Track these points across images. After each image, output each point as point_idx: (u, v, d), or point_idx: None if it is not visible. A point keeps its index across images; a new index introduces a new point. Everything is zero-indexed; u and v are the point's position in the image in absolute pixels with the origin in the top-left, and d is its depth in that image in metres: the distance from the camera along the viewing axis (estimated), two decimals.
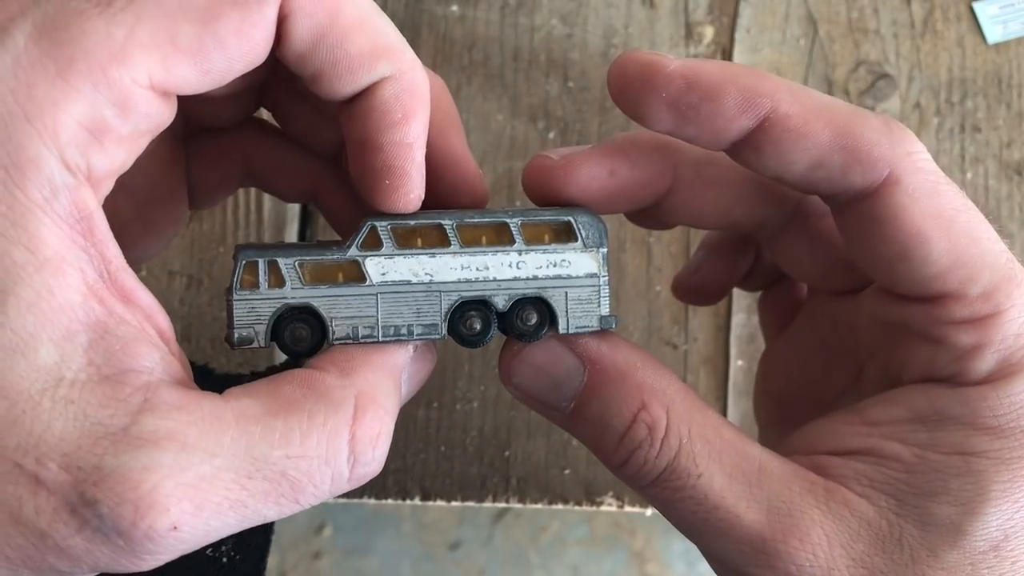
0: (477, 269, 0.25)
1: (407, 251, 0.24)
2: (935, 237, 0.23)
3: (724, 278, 0.33)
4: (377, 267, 0.24)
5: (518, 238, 0.25)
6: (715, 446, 0.24)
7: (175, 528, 0.20)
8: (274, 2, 0.22)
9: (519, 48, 0.45)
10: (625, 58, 0.25)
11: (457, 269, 0.25)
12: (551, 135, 0.45)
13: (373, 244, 0.24)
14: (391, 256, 0.24)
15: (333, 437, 0.22)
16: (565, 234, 0.25)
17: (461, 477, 0.42)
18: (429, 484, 0.42)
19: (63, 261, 0.20)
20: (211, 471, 0.20)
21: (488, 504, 0.42)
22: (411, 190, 0.24)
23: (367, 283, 0.24)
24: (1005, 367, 0.23)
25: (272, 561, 0.37)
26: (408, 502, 0.42)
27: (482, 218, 0.25)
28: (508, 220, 0.25)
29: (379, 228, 0.24)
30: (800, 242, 0.28)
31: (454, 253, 0.25)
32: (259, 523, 0.22)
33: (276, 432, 0.21)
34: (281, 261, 0.24)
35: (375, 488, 0.42)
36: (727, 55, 0.46)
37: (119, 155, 0.22)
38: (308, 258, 0.24)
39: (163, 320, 0.22)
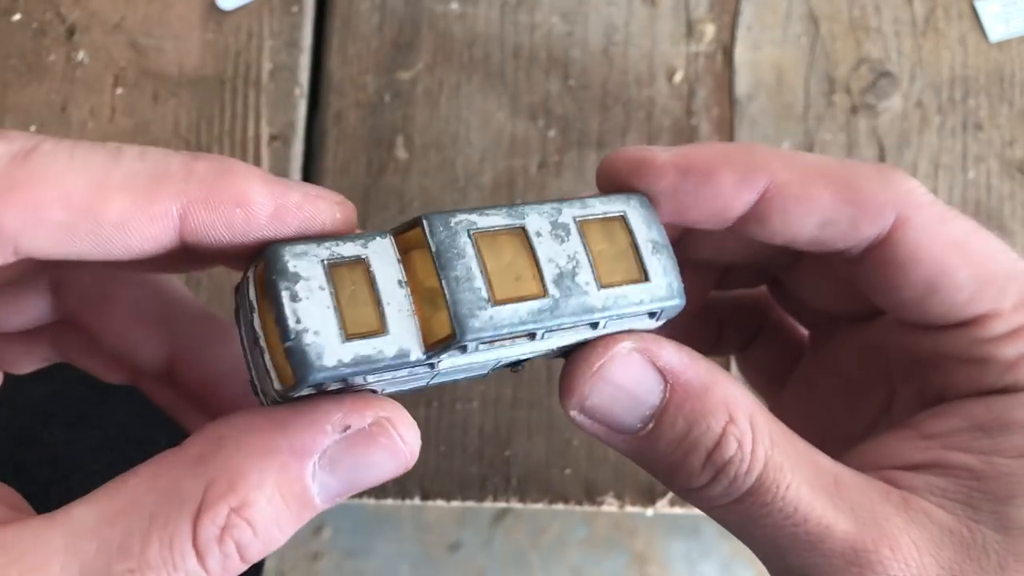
0: (547, 347, 0.22)
1: (491, 347, 0.21)
2: (957, 264, 0.23)
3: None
4: (451, 360, 0.21)
5: (600, 330, 0.22)
6: (794, 458, 0.23)
7: None
8: (172, 197, 0.19)
9: (519, 46, 0.45)
10: (613, 157, 0.24)
11: (528, 349, 0.22)
12: (551, 133, 0.44)
13: (462, 349, 0.21)
14: (473, 352, 0.21)
15: (176, 537, 0.18)
16: (646, 316, 0.23)
17: (461, 477, 0.42)
18: (429, 484, 0.41)
19: None
20: None
21: (488, 504, 0.41)
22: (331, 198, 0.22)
23: (433, 371, 0.22)
24: None
25: (271, 563, 0.37)
26: (408, 502, 0.41)
27: (577, 321, 0.21)
28: (601, 319, 0.22)
29: (468, 346, 0.21)
30: (821, 267, 0.28)
31: (535, 341, 0.22)
32: None
33: (113, 544, 0.18)
34: (354, 380, 0.20)
35: (374, 488, 0.41)
36: (728, 53, 0.46)
37: None
38: (383, 375, 0.20)
39: None
